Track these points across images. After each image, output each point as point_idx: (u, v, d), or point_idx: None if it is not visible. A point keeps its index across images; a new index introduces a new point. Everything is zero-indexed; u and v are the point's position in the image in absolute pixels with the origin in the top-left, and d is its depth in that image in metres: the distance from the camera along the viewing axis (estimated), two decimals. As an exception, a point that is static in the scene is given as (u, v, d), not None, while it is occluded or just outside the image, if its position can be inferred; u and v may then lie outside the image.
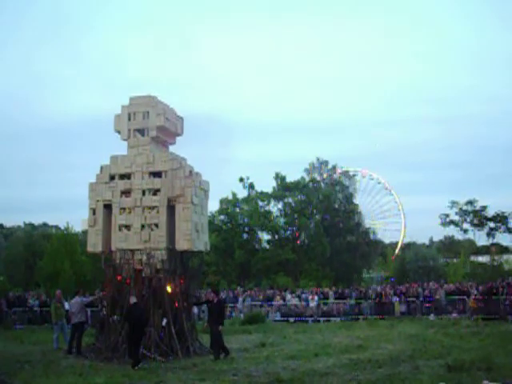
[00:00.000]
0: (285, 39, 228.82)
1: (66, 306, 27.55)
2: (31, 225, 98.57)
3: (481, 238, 72.81)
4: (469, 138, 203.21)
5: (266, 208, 65.42)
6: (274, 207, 66.15)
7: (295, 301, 38.38)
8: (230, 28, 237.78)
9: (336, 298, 38.50)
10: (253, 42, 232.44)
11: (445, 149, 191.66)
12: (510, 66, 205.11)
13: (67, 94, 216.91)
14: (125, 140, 22.81)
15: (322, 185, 71.65)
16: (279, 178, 66.04)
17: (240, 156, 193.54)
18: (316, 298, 37.59)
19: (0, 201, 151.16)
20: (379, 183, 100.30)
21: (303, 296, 39.18)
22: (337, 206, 68.62)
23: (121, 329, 20.35)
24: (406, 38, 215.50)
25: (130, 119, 22.64)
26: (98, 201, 22.44)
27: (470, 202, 68.74)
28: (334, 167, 75.50)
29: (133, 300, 19.13)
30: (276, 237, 64.69)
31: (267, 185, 71.22)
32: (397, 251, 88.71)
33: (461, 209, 68.84)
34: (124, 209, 21.93)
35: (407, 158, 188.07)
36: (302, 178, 69.42)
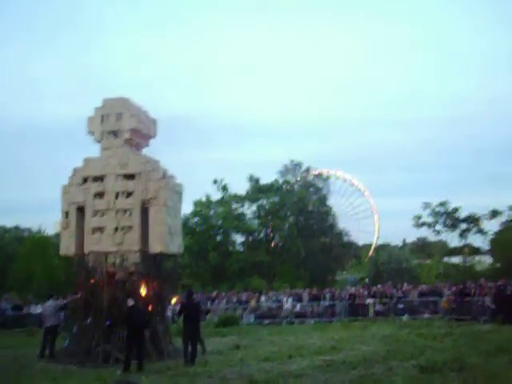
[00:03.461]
0: (261, 40, 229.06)
1: (40, 309, 27.42)
2: (3, 227, 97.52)
3: (453, 240, 73.27)
4: (425, 140, 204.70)
5: (240, 210, 65.38)
6: (248, 209, 66.15)
7: (269, 303, 38.43)
8: (214, 27, 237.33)
9: (310, 300, 38.58)
10: (231, 42, 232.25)
11: (411, 151, 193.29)
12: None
13: (39, 94, 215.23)
14: (98, 142, 22.71)
15: (296, 187, 71.75)
16: (253, 180, 66.03)
17: (214, 158, 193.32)
18: (290, 299, 37.66)
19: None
20: (352, 185, 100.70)
21: (278, 298, 39.26)
22: (311, 207, 68.72)
23: (94, 332, 20.25)
24: (404, 37, 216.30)
25: (102, 121, 22.56)
26: (70, 203, 22.31)
27: (443, 204, 69.14)
28: (308, 169, 75.59)
29: (130, 302, 18.98)
30: (250, 239, 64.68)
31: (241, 187, 71.13)
32: (370, 253, 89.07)
33: (433, 210, 69.16)
34: (97, 211, 21.84)
35: (380, 160, 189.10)
36: (276, 180, 69.40)
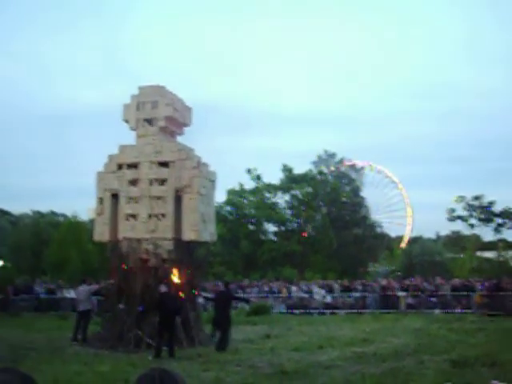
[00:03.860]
0: (293, 28, 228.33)
1: (73, 293, 27.72)
2: (39, 212, 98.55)
3: (487, 234, 72.51)
4: (462, 132, 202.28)
5: (273, 200, 65.48)
6: (281, 199, 66.23)
7: (301, 293, 38.40)
8: (244, 15, 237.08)
9: (341, 291, 38.51)
10: (265, 32, 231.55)
11: (445, 143, 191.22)
12: (507, 60, 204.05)
13: (73, 81, 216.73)
14: (133, 129, 22.86)
15: (329, 177, 71.62)
16: (286, 169, 66.07)
17: (248, 147, 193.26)
18: (322, 290, 37.62)
19: (6, 188, 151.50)
20: (386, 177, 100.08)
21: (309, 288, 39.24)
22: (343, 198, 68.58)
23: (126, 318, 20.44)
24: (440, 27, 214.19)
25: (138, 109, 22.69)
26: (105, 190, 22.49)
27: (477, 198, 68.47)
28: (342, 160, 75.44)
29: (163, 289, 19.11)
30: (282, 228, 64.74)
31: (275, 176, 71.21)
32: (403, 245, 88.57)
33: (468, 204, 68.53)
34: (131, 198, 22.00)
35: (414, 152, 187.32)
36: (310, 170, 69.41)
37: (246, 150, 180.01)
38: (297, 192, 64.57)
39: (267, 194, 65.14)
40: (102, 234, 22.54)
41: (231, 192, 64.76)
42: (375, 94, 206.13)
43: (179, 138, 24.25)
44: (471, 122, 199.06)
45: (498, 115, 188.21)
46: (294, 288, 39.62)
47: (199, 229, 21.27)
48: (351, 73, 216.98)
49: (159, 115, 22.41)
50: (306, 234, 64.64)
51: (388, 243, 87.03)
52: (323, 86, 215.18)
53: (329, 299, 37.25)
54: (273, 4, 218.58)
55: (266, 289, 40.38)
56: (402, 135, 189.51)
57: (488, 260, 64.65)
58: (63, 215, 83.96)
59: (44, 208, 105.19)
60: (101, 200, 22.63)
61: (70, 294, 34.77)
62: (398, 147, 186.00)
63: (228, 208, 64.82)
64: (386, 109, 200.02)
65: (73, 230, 51.06)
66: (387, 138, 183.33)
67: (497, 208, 66.98)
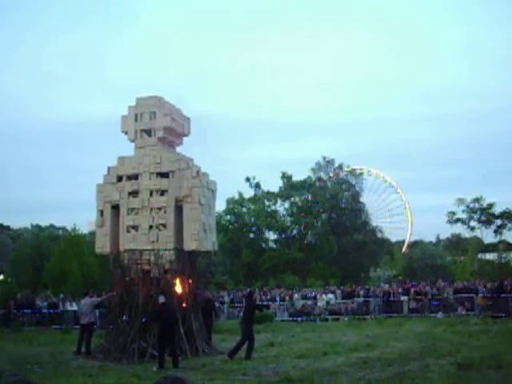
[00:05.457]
0: (294, 39, 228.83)
1: (75, 306, 27.70)
2: (38, 226, 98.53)
3: (488, 236, 72.66)
4: (458, 136, 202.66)
5: (273, 207, 65.55)
6: (281, 206, 66.30)
7: (303, 300, 38.38)
8: (241, 28, 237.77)
9: (343, 297, 38.50)
10: (263, 42, 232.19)
11: (444, 147, 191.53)
12: (503, 62, 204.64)
13: (69, 95, 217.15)
14: (132, 141, 22.87)
15: (329, 184, 71.68)
16: (286, 177, 66.20)
17: (246, 155, 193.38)
18: (324, 296, 37.61)
19: (5, 203, 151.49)
20: (385, 181, 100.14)
21: (311, 295, 39.26)
22: (343, 204, 68.61)
23: (129, 329, 20.40)
24: (435, 34, 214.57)
25: (136, 120, 22.71)
26: (105, 202, 22.49)
27: (477, 200, 68.60)
28: (341, 166, 75.37)
29: (161, 299, 19.03)
30: (283, 236, 64.76)
31: (274, 184, 71.39)
32: (404, 249, 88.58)
33: (468, 206, 68.65)
34: (132, 209, 21.99)
35: (411, 156, 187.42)
36: (309, 177, 69.51)
37: (244, 159, 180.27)
38: (296, 199, 64.64)
39: (267, 202, 65.20)
40: (103, 246, 22.50)
41: (231, 201, 64.83)
42: (372, 99, 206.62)
43: (178, 148, 24.28)
44: (468, 124, 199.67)
45: (495, 116, 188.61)
46: (296, 295, 39.61)
47: (200, 238, 21.25)
48: (348, 79, 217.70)
49: (157, 126, 22.42)
50: (306, 241, 64.71)
51: (389, 248, 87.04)
52: (320, 93, 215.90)
53: (331, 305, 37.20)
54: (270, 14, 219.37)
55: (268, 297, 40.32)
56: (399, 139, 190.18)
57: (489, 262, 64.66)
58: (63, 228, 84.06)
59: (43, 222, 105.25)
60: (101, 212, 22.61)
61: (73, 306, 34.73)
62: (396, 152, 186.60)
63: (228, 217, 64.87)
64: (384, 114, 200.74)
65: (73, 243, 51.08)
66: (384, 142, 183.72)
67: (497, 209, 67.11)
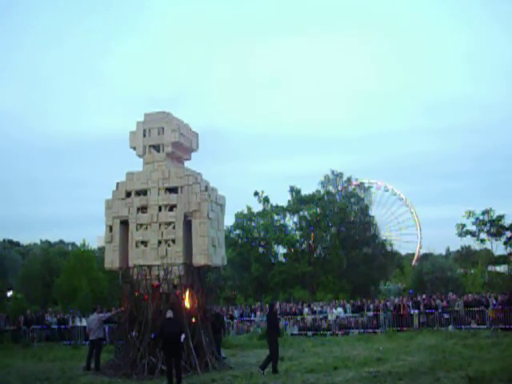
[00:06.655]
0: (296, 52, 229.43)
1: (84, 322, 27.70)
2: (48, 242, 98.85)
3: (498, 248, 72.30)
4: (465, 147, 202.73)
5: (282, 221, 65.47)
6: (290, 220, 66.21)
7: (313, 314, 38.26)
8: (244, 42, 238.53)
9: (353, 311, 38.35)
10: (264, 56, 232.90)
11: (447, 158, 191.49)
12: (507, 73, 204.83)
13: (73, 111, 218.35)
14: (140, 156, 22.95)
15: (338, 197, 71.55)
16: (294, 191, 66.18)
17: (255, 170, 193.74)
18: (334, 310, 37.46)
19: (15, 218, 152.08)
20: (394, 195, 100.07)
21: (321, 309, 39.14)
22: (352, 218, 68.38)
23: (139, 345, 20.38)
24: (442, 46, 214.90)
25: (145, 135, 22.81)
26: (114, 217, 22.53)
27: (487, 212, 68.34)
28: (349, 179, 75.26)
29: (169, 314, 18.89)
30: (292, 250, 64.64)
31: (282, 198, 71.46)
32: (413, 262, 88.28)
33: (477, 219, 68.38)
34: (141, 225, 22.04)
35: (421, 169, 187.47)
36: (317, 190, 69.49)
37: (252, 173, 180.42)
38: (305, 213, 64.55)
39: (276, 216, 65.13)
40: (112, 261, 22.53)
41: (239, 215, 64.78)
42: (378, 112, 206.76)
43: (187, 164, 24.33)
44: (470, 135, 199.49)
45: (497, 128, 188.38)
46: (306, 309, 39.50)
47: (209, 253, 21.24)
48: (354, 92, 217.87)
49: (166, 141, 22.51)
50: (316, 255, 64.60)
51: (398, 261, 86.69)
52: (328, 108, 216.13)
53: (341, 319, 37.05)
54: (275, 26, 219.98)
55: (278, 311, 40.21)
56: (405, 152, 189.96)
57: (500, 274, 64.37)
58: (72, 244, 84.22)
59: (53, 237, 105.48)
60: (110, 228, 22.66)
61: (82, 322, 34.73)
62: (401, 164, 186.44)
63: (237, 231, 64.83)
64: (388, 127, 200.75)
65: (82, 259, 51.14)
66: (391, 155, 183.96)
67: (506, 221, 66.79)
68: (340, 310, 37.76)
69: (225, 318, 31.71)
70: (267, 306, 28.12)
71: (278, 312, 36.97)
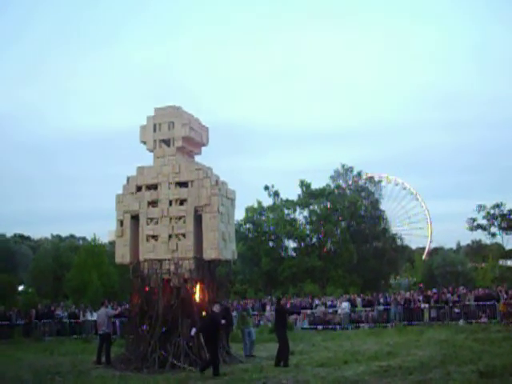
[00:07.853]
0: (306, 46, 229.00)
1: (95, 316, 27.79)
2: (58, 237, 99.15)
3: (509, 242, 72.10)
4: (476, 141, 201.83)
5: (292, 216, 65.47)
6: (300, 215, 66.21)
7: (323, 308, 38.21)
8: (254, 36, 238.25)
9: (364, 305, 38.30)
10: (274, 50, 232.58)
11: (458, 152, 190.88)
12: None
13: (88, 106, 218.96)
14: (150, 151, 22.96)
15: (348, 191, 71.48)
16: (304, 185, 66.14)
17: (265, 164, 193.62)
18: (345, 304, 37.35)
19: (26, 213, 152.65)
20: (404, 189, 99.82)
21: (331, 303, 39.11)
22: (363, 212, 68.32)
23: (150, 338, 20.42)
24: (455, 40, 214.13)
25: (155, 130, 22.80)
26: (125, 212, 22.56)
27: (497, 206, 68.12)
28: (359, 173, 75.10)
29: (217, 308, 19.23)
30: (302, 244, 64.65)
31: (292, 192, 71.41)
32: (424, 256, 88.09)
33: (488, 213, 68.17)
34: (151, 219, 22.06)
35: (427, 162, 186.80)
36: (328, 185, 69.46)
37: (263, 168, 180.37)
38: (315, 207, 64.53)
39: (286, 210, 65.13)
40: (123, 256, 22.56)
41: (250, 209, 64.83)
42: (387, 107, 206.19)
43: (197, 158, 24.32)
44: (482, 130, 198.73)
45: (509, 122, 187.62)
46: (316, 303, 39.48)
47: (220, 247, 21.24)
48: (363, 87, 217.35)
49: (176, 136, 22.49)
50: (326, 249, 64.55)
51: (409, 255, 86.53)
52: (336, 102, 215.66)
53: (352, 313, 36.98)
54: (285, 25, 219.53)
55: (288, 305, 40.19)
56: (415, 146, 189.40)
57: (510, 268, 64.15)
58: (83, 238, 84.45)
59: (63, 232, 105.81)
60: (121, 222, 22.69)
61: (93, 316, 34.83)
62: (412, 158, 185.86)
63: (247, 226, 64.87)
64: (399, 121, 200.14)
65: (93, 253, 51.26)
66: (401, 149, 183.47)
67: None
68: (346, 304, 37.50)
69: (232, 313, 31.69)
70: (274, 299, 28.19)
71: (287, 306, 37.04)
